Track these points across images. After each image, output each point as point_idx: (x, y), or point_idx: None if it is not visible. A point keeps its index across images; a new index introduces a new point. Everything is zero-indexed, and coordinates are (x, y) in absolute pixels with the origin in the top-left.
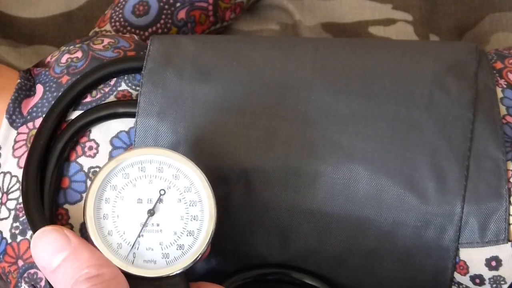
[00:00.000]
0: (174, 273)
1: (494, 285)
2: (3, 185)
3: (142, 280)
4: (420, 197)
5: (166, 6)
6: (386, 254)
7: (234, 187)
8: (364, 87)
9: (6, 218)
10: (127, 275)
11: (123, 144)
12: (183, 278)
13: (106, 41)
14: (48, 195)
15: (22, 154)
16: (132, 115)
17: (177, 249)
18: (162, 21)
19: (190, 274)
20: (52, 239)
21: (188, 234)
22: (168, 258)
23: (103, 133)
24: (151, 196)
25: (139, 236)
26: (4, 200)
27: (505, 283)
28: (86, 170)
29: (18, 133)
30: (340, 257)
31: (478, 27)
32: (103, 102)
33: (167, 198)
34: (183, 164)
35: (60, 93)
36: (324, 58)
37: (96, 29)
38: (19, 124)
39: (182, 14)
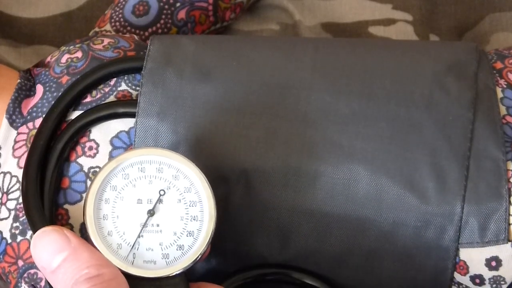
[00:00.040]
0: (174, 274)
1: (494, 285)
2: (3, 185)
3: (142, 280)
4: (420, 197)
5: (166, 6)
6: (386, 254)
7: (234, 187)
8: (364, 87)
9: (6, 218)
10: (127, 276)
11: (123, 144)
12: (183, 279)
13: (106, 41)
14: (48, 195)
15: (22, 154)
16: (132, 115)
17: (177, 250)
18: (162, 21)
19: (190, 274)
20: (52, 239)
21: (188, 235)
22: (168, 259)
23: (103, 133)
24: (151, 197)
25: (139, 236)
26: (4, 200)
27: (505, 283)
28: (86, 170)
29: (18, 133)
30: (340, 257)
31: (478, 27)
32: (103, 102)
33: (167, 198)
34: (183, 164)
35: (60, 93)
36: (324, 58)
37: (96, 29)
38: (19, 124)
39: (182, 14)
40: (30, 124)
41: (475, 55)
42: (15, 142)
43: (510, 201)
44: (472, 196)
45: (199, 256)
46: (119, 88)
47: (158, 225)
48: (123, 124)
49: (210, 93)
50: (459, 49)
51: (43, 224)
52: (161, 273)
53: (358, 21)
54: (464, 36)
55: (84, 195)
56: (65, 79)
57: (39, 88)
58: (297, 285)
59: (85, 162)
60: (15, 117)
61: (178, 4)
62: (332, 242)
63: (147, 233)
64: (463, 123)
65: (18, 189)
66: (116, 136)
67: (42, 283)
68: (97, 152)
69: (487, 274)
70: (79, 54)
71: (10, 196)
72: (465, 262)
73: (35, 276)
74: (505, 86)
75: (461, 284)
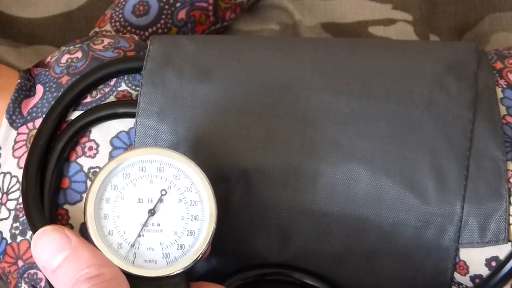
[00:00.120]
0: (175, 273)
1: None
2: (3, 186)
3: (143, 280)
4: (420, 197)
5: (166, 6)
6: (386, 254)
7: (234, 187)
8: (364, 87)
9: (6, 219)
10: (128, 275)
11: (123, 144)
12: (183, 278)
13: (106, 41)
14: (48, 196)
15: (22, 155)
16: (132, 115)
17: (177, 249)
18: (162, 21)
19: (190, 274)
20: (52, 238)
21: (189, 234)
22: (168, 258)
23: (103, 133)
24: (152, 196)
25: (139, 235)
26: (4, 200)
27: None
28: (86, 171)
29: (18, 133)
30: (340, 257)
31: (478, 27)
32: (103, 103)
33: (168, 198)
34: (184, 164)
35: (60, 93)
36: (324, 58)
37: (96, 29)
38: (19, 124)
39: (182, 14)
40: (30, 124)
41: (475, 55)
42: (15, 142)
43: (510, 201)
44: (472, 196)
45: (200, 256)
46: (119, 89)
47: (158, 225)
48: (123, 124)
49: (210, 93)
50: (459, 49)
51: (43, 224)
52: (161, 272)
53: (358, 21)
54: (464, 36)
55: (84, 195)
56: (65, 79)
57: (39, 88)
58: (297, 285)
59: (85, 162)
60: (15, 117)
61: (178, 4)
62: (332, 242)
63: (148, 232)
64: (463, 123)
65: (18, 189)
66: (116, 136)
67: (42, 283)
68: (97, 152)
69: (487, 274)
70: (79, 54)
71: (10, 196)
72: (465, 262)
73: (35, 276)
74: (505, 86)
75: (461, 284)
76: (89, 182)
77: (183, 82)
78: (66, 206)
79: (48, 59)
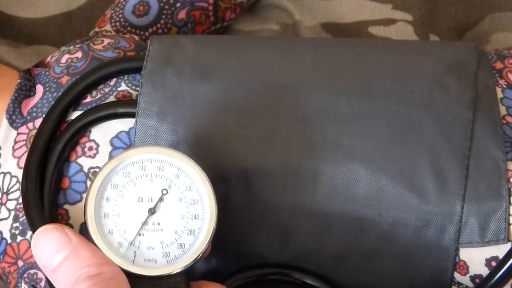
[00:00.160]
0: (175, 272)
1: None
2: (3, 186)
3: (143, 279)
4: (420, 197)
5: (166, 6)
6: (386, 254)
7: (234, 187)
8: (364, 86)
9: (6, 219)
10: (128, 274)
11: (123, 144)
12: (183, 277)
13: (106, 41)
14: (48, 196)
15: (22, 155)
16: (132, 115)
17: (177, 248)
18: (162, 21)
19: (190, 273)
20: (52, 237)
21: (189, 233)
22: (168, 257)
23: (103, 133)
24: (152, 195)
25: (139, 234)
26: (4, 200)
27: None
28: (86, 171)
29: (18, 133)
30: (340, 257)
31: (478, 27)
32: (103, 103)
33: (168, 197)
34: (184, 163)
35: (60, 94)
36: (324, 58)
37: (96, 29)
38: (19, 124)
39: (182, 14)
40: (30, 124)
41: (475, 55)
42: (15, 142)
43: (510, 201)
44: (472, 195)
45: (200, 255)
46: (119, 88)
47: (159, 224)
48: (123, 124)
49: (210, 93)
50: (459, 49)
51: (42, 224)
52: (161, 271)
53: (358, 21)
54: (464, 36)
55: (84, 195)
56: (65, 79)
57: (39, 88)
58: (297, 285)
59: (85, 162)
60: (15, 117)
61: (178, 4)
62: (332, 242)
63: (148, 231)
64: (463, 123)
65: (18, 189)
66: (116, 136)
67: (42, 283)
68: (97, 153)
69: (487, 273)
70: (79, 54)
71: (10, 196)
72: (465, 262)
73: (35, 276)
74: (505, 86)
75: (461, 284)
76: (89, 182)
77: (183, 82)
78: (66, 206)
79: (48, 59)
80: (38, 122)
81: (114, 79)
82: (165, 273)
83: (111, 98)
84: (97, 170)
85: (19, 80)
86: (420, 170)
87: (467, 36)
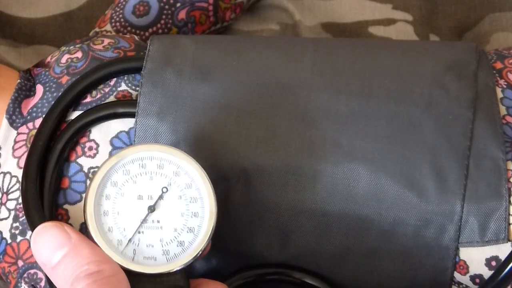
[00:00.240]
0: (175, 270)
1: None
2: (3, 185)
3: (142, 277)
4: (420, 196)
5: (167, 7)
6: (386, 254)
7: (234, 187)
8: (363, 86)
9: (6, 218)
10: (127, 272)
11: (123, 144)
12: (183, 275)
13: (106, 41)
14: (48, 196)
15: (22, 155)
16: (132, 115)
17: (177, 246)
18: (162, 22)
19: (190, 271)
20: (52, 235)
21: (189, 231)
22: (168, 255)
23: (103, 133)
24: (152, 193)
25: (138, 232)
26: (4, 200)
27: None
28: (86, 171)
29: (18, 133)
30: (340, 257)
31: (478, 27)
32: (103, 103)
33: (168, 195)
34: (184, 160)
35: (60, 93)
36: (324, 58)
37: (97, 29)
38: (19, 124)
39: (182, 15)
40: (30, 124)
41: (475, 55)
42: (15, 142)
43: (510, 201)
44: (472, 195)
45: (200, 253)
46: (119, 88)
47: (158, 222)
48: (123, 124)
49: (210, 93)
50: (459, 49)
51: None
52: (161, 269)
53: (358, 21)
54: (464, 36)
55: (84, 195)
56: (65, 79)
57: (39, 88)
58: (297, 285)
59: (85, 162)
60: (15, 117)
61: (178, 5)
62: (332, 242)
63: (148, 229)
64: (463, 122)
65: (18, 189)
66: (116, 136)
67: (42, 283)
68: (97, 152)
69: (487, 274)
70: (79, 54)
71: (10, 196)
72: (465, 262)
73: (35, 276)
74: (505, 86)
75: (461, 283)
76: (89, 182)
77: (183, 82)
78: (66, 206)
79: (48, 59)
80: (38, 122)
81: (114, 79)
82: (164, 271)
83: (111, 98)
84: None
85: (19, 80)
86: (420, 170)
87: (467, 36)
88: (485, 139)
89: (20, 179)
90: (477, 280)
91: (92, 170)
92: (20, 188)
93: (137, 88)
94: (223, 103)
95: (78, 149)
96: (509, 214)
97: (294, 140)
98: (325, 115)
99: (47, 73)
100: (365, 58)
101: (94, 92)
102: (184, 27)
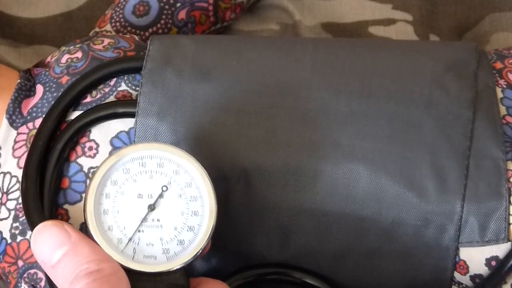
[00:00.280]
0: (175, 269)
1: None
2: (3, 185)
3: (142, 275)
4: (420, 196)
5: (167, 7)
6: (386, 253)
7: (234, 187)
8: (363, 86)
9: (6, 218)
10: (127, 271)
11: (123, 144)
12: (183, 274)
13: (106, 41)
14: (48, 196)
15: (22, 154)
16: (132, 115)
17: (177, 245)
18: (162, 22)
19: (190, 270)
20: (52, 234)
21: (189, 230)
22: (168, 254)
23: (103, 133)
24: (152, 192)
25: (138, 230)
26: (4, 200)
27: (505, 283)
28: (86, 171)
29: (18, 133)
30: (341, 257)
31: (478, 27)
32: (103, 103)
33: (168, 193)
34: (184, 159)
35: (60, 93)
36: (324, 58)
37: (97, 29)
38: (19, 124)
39: (182, 15)
40: (30, 124)
41: (475, 55)
42: (15, 142)
43: (510, 201)
44: (472, 195)
45: (200, 251)
46: (119, 88)
47: (158, 220)
48: (123, 124)
49: (210, 93)
50: (459, 49)
51: None
52: (161, 268)
53: (358, 21)
54: (464, 36)
55: (84, 195)
56: (65, 79)
57: (39, 88)
58: (297, 285)
59: (85, 162)
60: (15, 117)
61: (178, 5)
62: (332, 242)
63: (148, 228)
64: (463, 122)
65: (18, 189)
66: (116, 136)
67: (42, 283)
68: (97, 152)
69: (487, 274)
70: (79, 54)
71: (10, 196)
72: (465, 262)
73: (35, 276)
74: (505, 86)
75: (461, 283)
76: (89, 181)
77: (183, 82)
78: (66, 206)
79: (48, 59)
80: (38, 122)
81: (114, 79)
82: (164, 270)
83: (111, 98)
84: None
85: (19, 80)
86: (420, 170)
87: (467, 36)
88: (485, 139)
89: (20, 179)
90: (477, 280)
91: (92, 170)
92: (20, 188)
93: (137, 88)
94: (223, 103)
95: (78, 149)
96: (509, 214)
97: (294, 140)
98: (325, 115)
99: (47, 73)
100: (365, 58)
101: (94, 92)
102: (184, 27)
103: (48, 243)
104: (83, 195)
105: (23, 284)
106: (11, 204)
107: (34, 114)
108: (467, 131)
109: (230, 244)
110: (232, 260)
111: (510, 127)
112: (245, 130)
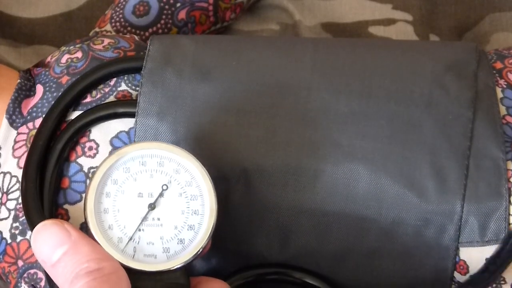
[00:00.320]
0: (175, 267)
1: (494, 285)
2: (3, 185)
3: (143, 274)
4: (420, 196)
5: (167, 7)
6: (386, 253)
7: (234, 187)
8: (364, 86)
9: (6, 218)
10: (128, 269)
11: (123, 144)
12: (183, 273)
13: (106, 41)
14: (48, 196)
15: (22, 154)
16: (132, 115)
17: (177, 244)
18: (162, 22)
19: (190, 269)
20: (52, 233)
21: (189, 229)
22: (168, 253)
23: (103, 133)
24: (152, 191)
25: (138, 229)
26: (4, 200)
27: (505, 283)
28: (86, 170)
29: (18, 133)
30: (341, 256)
31: (478, 27)
32: (103, 102)
33: (168, 192)
34: (184, 158)
35: (60, 93)
36: (324, 58)
37: (97, 29)
38: (19, 124)
39: (182, 15)
40: (30, 124)
41: (475, 55)
42: (15, 142)
43: (510, 201)
44: (472, 195)
45: (200, 250)
46: (119, 88)
47: (159, 219)
48: (123, 124)
49: (210, 93)
50: (459, 49)
51: None
52: (161, 267)
53: (358, 21)
54: (464, 36)
55: (84, 195)
56: (65, 79)
57: (39, 88)
58: (297, 285)
59: (85, 162)
60: (15, 117)
61: (178, 5)
62: (332, 242)
63: (148, 227)
64: (463, 122)
65: (18, 189)
66: (116, 136)
67: (42, 283)
68: (97, 152)
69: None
70: (79, 54)
71: (10, 196)
72: (465, 262)
73: (35, 276)
74: (505, 86)
75: (461, 283)
76: (89, 180)
77: (183, 82)
78: (66, 206)
79: (48, 59)
80: (38, 122)
81: (114, 79)
82: (165, 269)
83: (111, 98)
84: None
85: (19, 80)
86: (420, 170)
87: (467, 36)
88: (485, 139)
89: (20, 179)
90: None
91: (92, 170)
92: (20, 188)
93: (137, 88)
94: (223, 103)
95: (78, 149)
96: (509, 214)
97: (294, 140)
98: (325, 115)
99: (47, 73)
100: (365, 58)
101: (94, 92)
102: (184, 27)
103: (48, 242)
104: (83, 195)
105: (23, 284)
106: (11, 204)
107: (34, 114)
108: (467, 131)
109: (230, 244)
110: (232, 260)
111: (510, 127)
112: (245, 130)
